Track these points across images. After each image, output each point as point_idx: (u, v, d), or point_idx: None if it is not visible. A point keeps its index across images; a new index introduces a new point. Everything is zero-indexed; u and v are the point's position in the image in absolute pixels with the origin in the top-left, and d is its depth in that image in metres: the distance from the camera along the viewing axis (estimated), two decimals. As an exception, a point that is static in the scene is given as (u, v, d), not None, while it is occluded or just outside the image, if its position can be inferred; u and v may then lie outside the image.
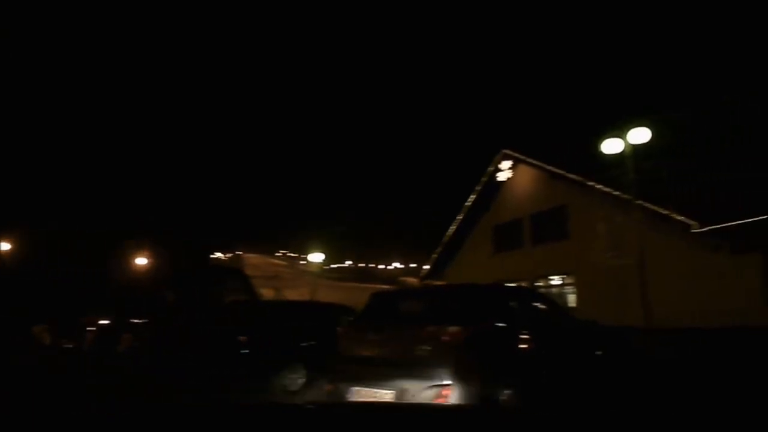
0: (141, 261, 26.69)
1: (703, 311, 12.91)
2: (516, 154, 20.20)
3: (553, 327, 5.96)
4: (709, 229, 13.12)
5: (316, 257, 26.31)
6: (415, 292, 6.95)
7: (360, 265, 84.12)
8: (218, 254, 63.52)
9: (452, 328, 4.68)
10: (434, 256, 25.22)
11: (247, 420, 1.44)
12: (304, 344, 6.83)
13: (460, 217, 23.22)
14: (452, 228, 23.81)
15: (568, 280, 18.74)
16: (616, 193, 12.73)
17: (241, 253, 70.30)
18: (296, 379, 6.36)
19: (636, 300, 11.59)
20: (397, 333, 5.02)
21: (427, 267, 25.98)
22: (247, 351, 6.41)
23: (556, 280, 19.51)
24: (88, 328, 13.29)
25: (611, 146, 10.03)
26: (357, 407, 2.28)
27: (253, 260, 66.23)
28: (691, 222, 13.30)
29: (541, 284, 20.02)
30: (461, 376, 4.50)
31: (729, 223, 12.76)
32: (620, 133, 9.92)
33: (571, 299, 18.49)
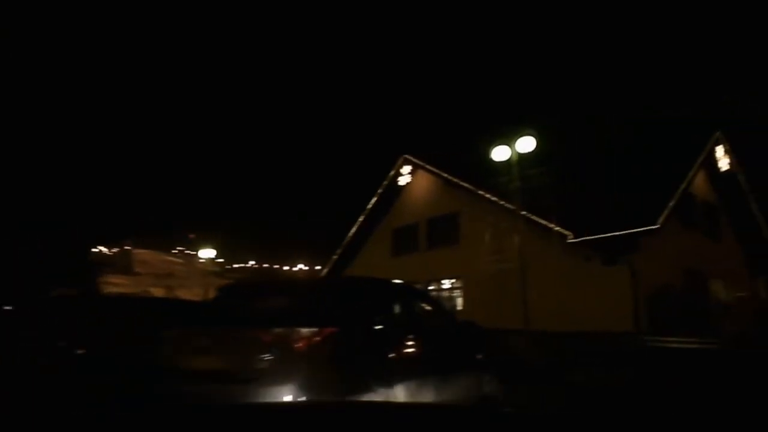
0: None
1: (578, 316, 13.56)
2: (416, 160, 20.22)
3: (435, 330, 5.08)
4: (582, 240, 13.87)
5: (207, 253, 24.38)
6: (273, 286, 5.27)
7: (264, 266, 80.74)
8: (102, 248, 57.17)
9: (305, 331, 3.70)
10: (334, 257, 24.48)
11: (247, 420, 1.43)
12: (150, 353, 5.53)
13: (362, 219, 22.75)
14: (353, 230, 23.27)
15: (457, 284, 19.04)
16: (502, 202, 12.96)
17: (129, 248, 63.89)
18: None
19: (518, 304, 11.83)
20: (236, 337, 3.91)
21: (327, 269, 25.15)
22: (63, 360, 5.09)
23: (447, 284, 19.75)
24: None
25: (500, 154, 10.06)
26: (356, 406, 2.26)
27: (143, 256, 60.68)
28: (567, 233, 13.97)
29: (433, 288, 20.22)
30: (315, 393, 3.53)
31: (599, 236, 13.56)
32: (509, 142, 9.99)
33: (460, 302, 18.86)
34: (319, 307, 4.12)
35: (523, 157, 9.91)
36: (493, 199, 14.47)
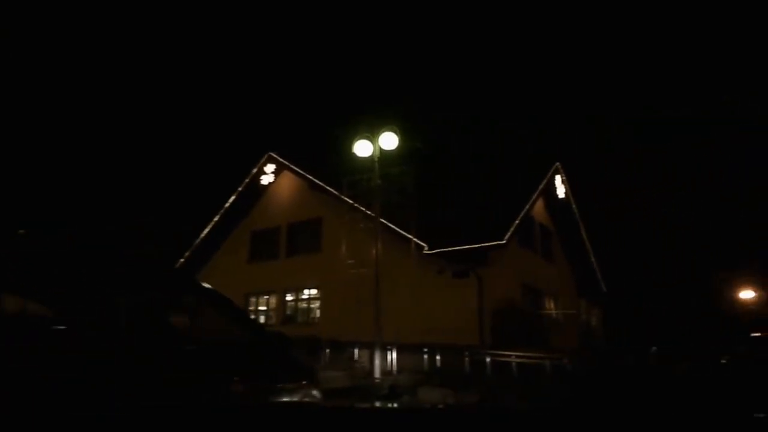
0: None
1: (431, 328, 13.23)
2: (281, 159, 18.68)
3: (209, 345, 3.11)
4: (437, 252, 13.67)
5: None
6: None
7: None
8: None
9: None
10: (181, 260, 21.40)
11: (247, 420, 1.42)
12: None
13: (217, 219, 20.27)
14: (206, 230, 20.60)
15: (317, 294, 17.75)
16: (363, 208, 12.13)
17: None
18: None
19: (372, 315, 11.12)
20: None
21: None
22: None
23: (307, 294, 18.32)
24: None
25: (362, 149, 9.18)
26: (357, 408, 2.10)
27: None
28: (423, 244, 13.68)
29: (292, 297, 18.65)
30: None
31: (452, 248, 13.48)
32: (373, 138, 9.17)
33: (318, 313, 17.60)
34: None
35: (385, 154, 9.18)
36: (356, 205, 13.62)
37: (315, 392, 3.82)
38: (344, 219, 14.48)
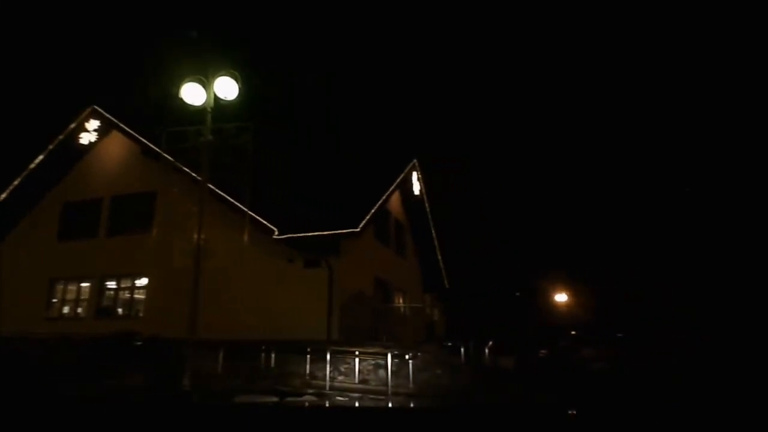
0: None
1: (276, 323, 11.50)
2: (108, 115, 14.93)
3: None
4: (287, 238, 11.94)
5: None
6: None
7: None
8: None
9: None
10: (-38, 232, 16.02)
11: (247, 419, 1.15)
12: None
13: (17, 183, 15.56)
14: (3, 196, 15.68)
15: (144, 283, 14.48)
16: (200, 178, 9.80)
17: None
18: None
19: (213, 309, 9.10)
20: None
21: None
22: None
23: (129, 281, 14.84)
24: None
25: (193, 95, 7.01)
26: (357, 408, 1.56)
27: None
28: (273, 228, 11.85)
29: (113, 286, 14.97)
30: None
31: (304, 234, 11.89)
32: (206, 82, 7.07)
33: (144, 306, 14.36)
34: None
35: (220, 104, 7.17)
36: (196, 176, 11.11)
37: None
38: (185, 197, 11.83)
